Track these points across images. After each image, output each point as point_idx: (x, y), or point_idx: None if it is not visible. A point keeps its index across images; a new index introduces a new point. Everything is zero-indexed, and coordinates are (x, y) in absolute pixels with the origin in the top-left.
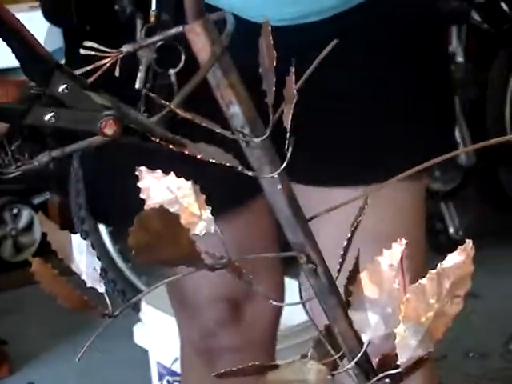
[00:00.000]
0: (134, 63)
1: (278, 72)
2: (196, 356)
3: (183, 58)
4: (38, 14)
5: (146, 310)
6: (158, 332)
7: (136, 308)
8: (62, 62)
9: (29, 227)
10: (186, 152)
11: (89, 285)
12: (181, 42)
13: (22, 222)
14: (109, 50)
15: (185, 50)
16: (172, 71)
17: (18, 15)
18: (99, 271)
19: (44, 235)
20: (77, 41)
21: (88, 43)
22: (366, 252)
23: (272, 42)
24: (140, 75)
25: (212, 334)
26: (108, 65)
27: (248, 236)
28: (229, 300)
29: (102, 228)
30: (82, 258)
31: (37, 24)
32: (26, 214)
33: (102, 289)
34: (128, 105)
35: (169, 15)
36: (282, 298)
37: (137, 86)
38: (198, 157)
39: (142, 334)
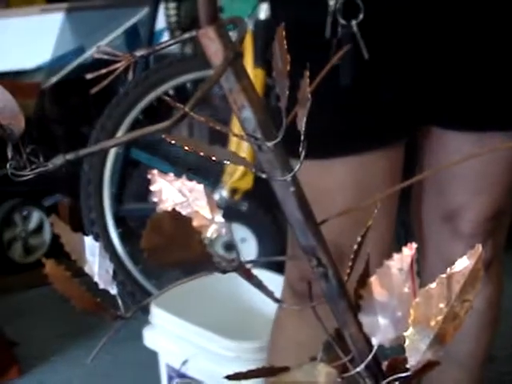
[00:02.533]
0: (322, 18)
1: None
2: (292, 298)
3: (363, 10)
4: (50, 17)
5: (156, 312)
6: (167, 334)
7: (145, 310)
8: (73, 65)
9: (39, 229)
10: (202, 153)
11: (101, 287)
12: None
13: (32, 223)
14: (121, 53)
15: (365, 4)
16: (354, 22)
17: (30, 18)
18: (111, 273)
19: (54, 237)
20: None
21: (102, 48)
22: (469, 188)
23: (286, 46)
24: (327, 27)
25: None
26: (121, 68)
27: (373, 177)
28: (334, 248)
29: (112, 230)
30: (95, 260)
31: (48, 27)
32: (36, 216)
33: (114, 291)
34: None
35: None
36: (390, 245)
37: (326, 35)
38: (216, 161)
39: (151, 337)
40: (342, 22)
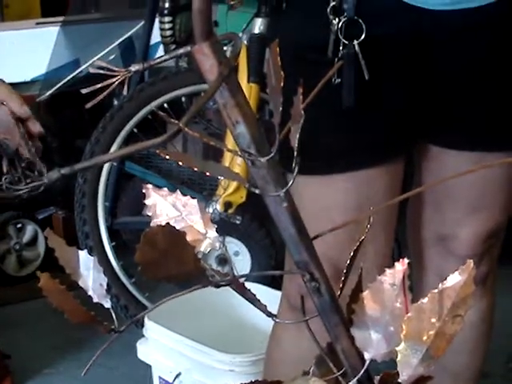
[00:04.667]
0: (325, 36)
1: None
2: (290, 313)
3: (365, 31)
4: (45, 31)
5: (149, 325)
6: (160, 348)
7: (139, 324)
8: (68, 78)
9: (33, 242)
10: (196, 169)
11: (95, 300)
12: (363, 18)
13: (26, 236)
14: (117, 68)
15: (366, 24)
16: (356, 42)
17: (25, 31)
18: (105, 287)
19: (48, 250)
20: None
21: (98, 63)
22: (466, 207)
23: (280, 63)
24: (330, 46)
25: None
26: (117, 83)
27: (374, 194)
28: (331, 264)
29: (106, 243)
30: (89, 273)
31: (43, 40)
32: (30, 229)
33: (108, 304)
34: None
35: None
36: (389, 260)
37: (329, 53)
38: (209, 175)
39: (145, 350)
40: (344, 41)
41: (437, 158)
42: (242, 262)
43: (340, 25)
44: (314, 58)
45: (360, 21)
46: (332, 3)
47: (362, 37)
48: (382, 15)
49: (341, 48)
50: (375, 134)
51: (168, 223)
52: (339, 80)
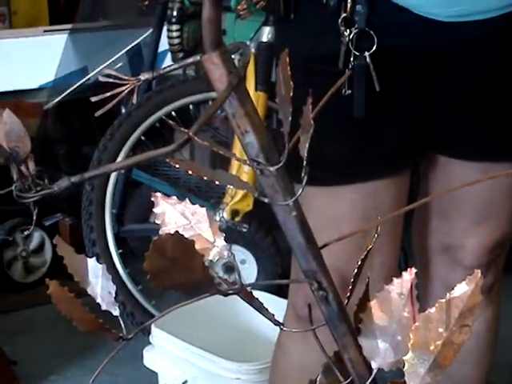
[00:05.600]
0: (335, 47)
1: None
2: (296, 322)
3: (376, 42)
4: (53, 38)
5: (156, 333)
6: (167, 355)
7: (145, 331)
8: (76, 85)
9: (40, 249)
10: (205, 178)
11: (103, 308)
12: (374, 29)
13: (33, 243)
14: (126, 77)
15: (377, 36)
16: (367, 53)
17: (33, 39)
18: (114, 295)
19: (55, 257)
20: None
21: (106, 70)
22: (472, 216)
23: (290, 73)
24: (341, 57)
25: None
26: (126, 91)
27: (381, 205)
28: (339, 274)
29: (113, 250)
30: (98, 281)
31: (52, 47)
32: (37, 236)
33: (116, 312)
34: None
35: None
36: (395, 271)
37: (340, 65)
38: (217, 182)
39: (151, 357)
40: (355, 52)
41: (444, 167)
42: (248, 270)
43: (351, 36)
44: (323, 69)
45: (371, 32)
46: (343, 14)
47: (374, 48)
48: (394, 27)
49: (351, 59)
50: (387, 146)
51: (177, 231)
52: (350, 91)
